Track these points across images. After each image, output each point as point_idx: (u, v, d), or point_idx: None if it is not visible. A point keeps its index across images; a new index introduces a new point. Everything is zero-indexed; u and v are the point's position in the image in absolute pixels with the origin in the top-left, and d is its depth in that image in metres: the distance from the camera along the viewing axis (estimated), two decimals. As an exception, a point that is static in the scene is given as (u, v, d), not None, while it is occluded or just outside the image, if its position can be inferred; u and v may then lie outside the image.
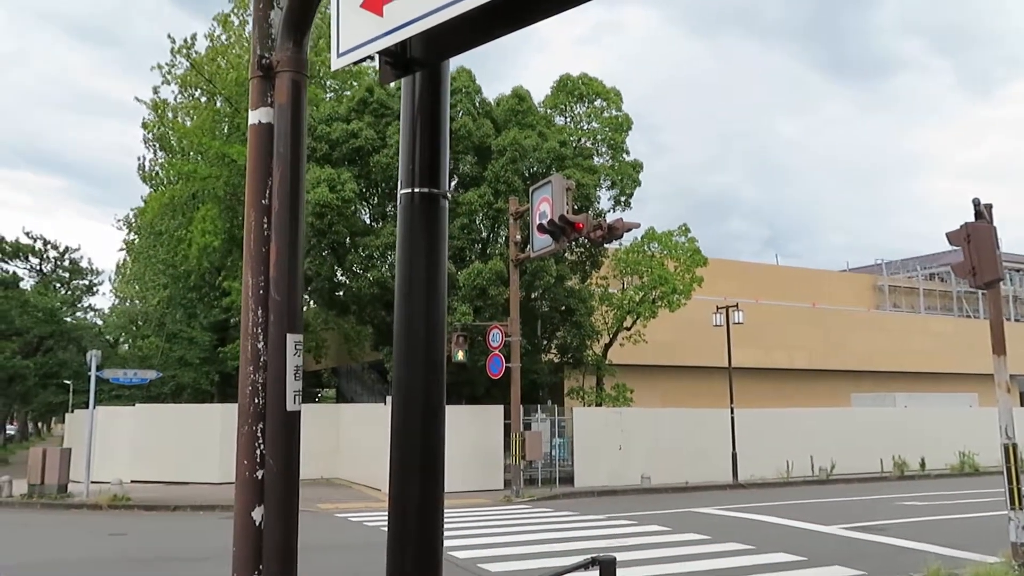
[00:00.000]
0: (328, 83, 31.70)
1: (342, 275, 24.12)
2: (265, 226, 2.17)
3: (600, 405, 26.01)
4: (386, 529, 2.30)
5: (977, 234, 8.89)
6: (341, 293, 24.82)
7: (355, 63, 2.15)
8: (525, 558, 11.13)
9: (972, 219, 9.13)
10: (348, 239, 23.15)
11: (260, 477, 2.05)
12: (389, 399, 18.61)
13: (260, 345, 2.10)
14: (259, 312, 2.11)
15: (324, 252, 23.04)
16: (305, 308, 32.21)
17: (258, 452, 2.06)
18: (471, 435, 21.06)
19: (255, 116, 2.23)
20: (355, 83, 27.99)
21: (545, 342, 25.27)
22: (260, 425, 2.07)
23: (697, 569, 10.45)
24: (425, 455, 2.34)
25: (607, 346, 26.53)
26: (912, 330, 42.44)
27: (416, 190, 2.51)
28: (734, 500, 19.27)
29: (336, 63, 2.12)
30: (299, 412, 2.13)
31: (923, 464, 26.53)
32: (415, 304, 2.40)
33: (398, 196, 2.56)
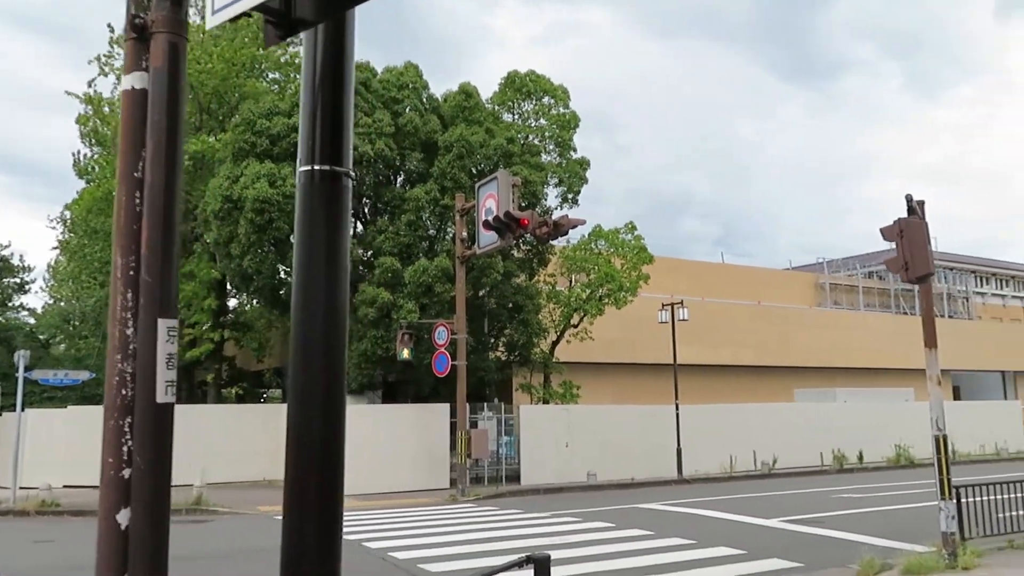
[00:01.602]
0: (270, 76, 31.07)
1: (285, 273, 23.62)
2: (137, 201, 1.98)
3: (548, 402, 26.00)
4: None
5: (910, 229, 9.04)
6: (283, 292, 24.27)
7: (232, 20, 1.97)
8: (466, 557, 10.98)
9: (906, 215, 9.28)
10: (290, 236, 22.66)
11: (127, 476, 1.86)
12: None
13: (129, 332, 1.91)
14: (128, 296, 1.92)
15: (265, 249, 22.52)
16: (247, 307, 31.56)
17: (125, 449, 1.87)
18: (416, 434, 20.85)
19: (128, 81, 2.03)
20: (298, 76, 27.43)
21: (493, 339, 25.14)
22: (128, 419, 1.88)
23: (639, 565, 10.44)
24: (324, 455, 2.16)
25: (554, 343, 26.54)
26: (852, 327, 43.49)
27: (316, 167, 2.35)
28: (679, 495, 19.42)
29: (211, 21, 1.95)
30: (172, 405, 1.94)
31: (861, 457, 27.18)
32: (313, 295, 2.24)
33: (297, 174, 2.39)
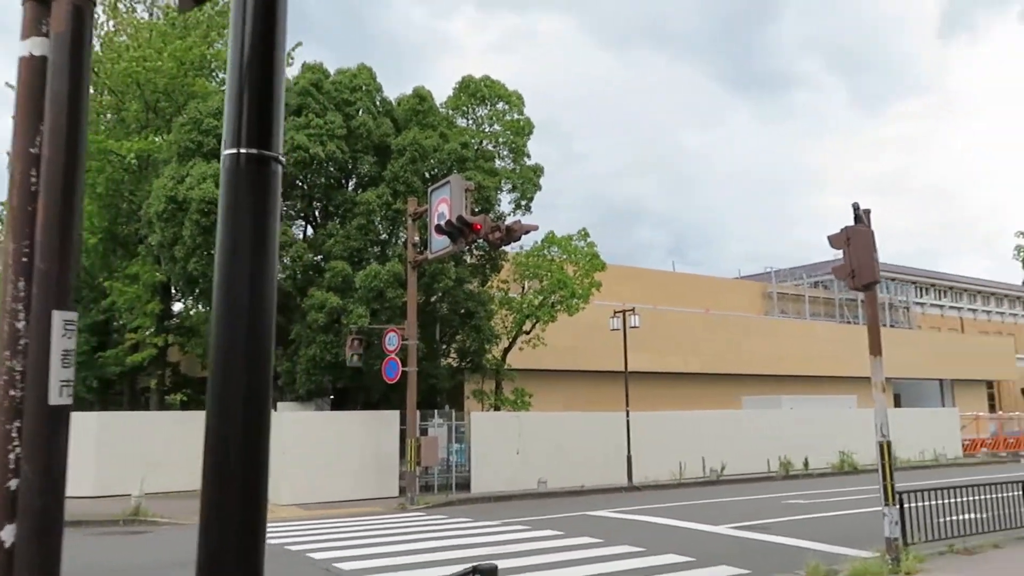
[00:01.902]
0: (220, 76, 30.37)
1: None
2: (33, 179, 1.78)
3: (499, 409, 25.84)
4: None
5: (857, 237, 9.14)
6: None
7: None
8: (412, 568, 10.75)
9: (852, 223, 9.39)
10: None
11: (13, 488, 1.65)
12: (279, 405, 17.64)
13: (20, 325, 1.71)
14: (20, 284, 1.72)
15: (211, 252, 21.91)
16: (193, 311, 30.72)
17: (12, 457, 1.66)
18: (365, 442, 20.49)
19: (25, 47, 1.83)
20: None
21: (444, 346, 24.90)
22: (16, 424, 1.67)
23: (588, 574, 10.34)
24: (246, 462, 1.97)
25: (507, 350, 26.40)
26: (798, 335, 44.31)
27: (243, 151, 2.17)
28: (629, 502, 19.43)
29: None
30: (67, 407, 1.74)
31: (807, 464, 27.61)
32: (236, 290, 2.05)
33: (222, 157, 2.21)
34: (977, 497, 12.04)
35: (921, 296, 61.37)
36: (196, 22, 28.55)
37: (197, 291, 23.47)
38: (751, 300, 50.76)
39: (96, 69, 28.03)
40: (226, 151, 2.18)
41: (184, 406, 27.62)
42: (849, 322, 53.64)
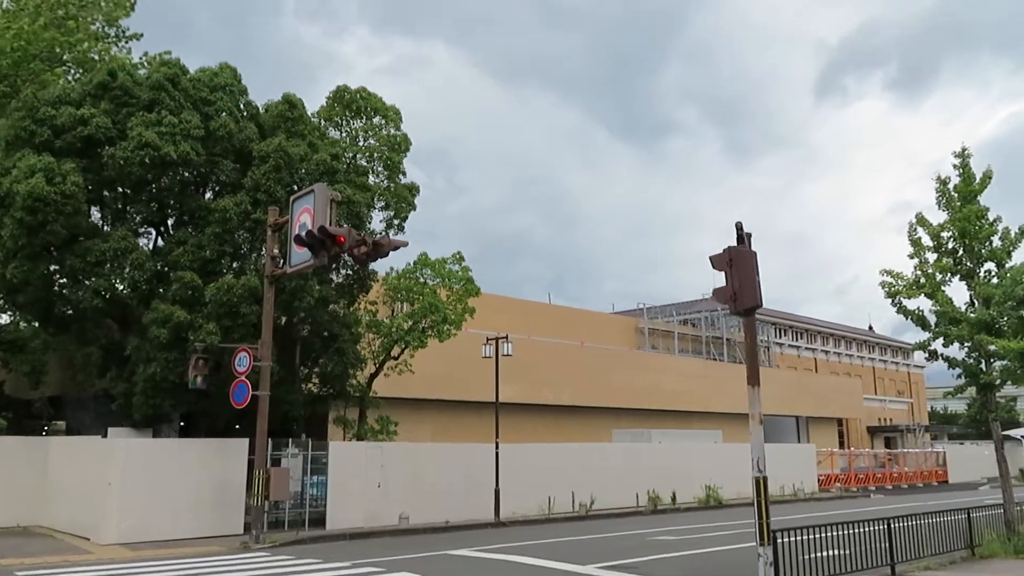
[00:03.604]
0: (71, 70, 27.62)
1: (61, 286, 20.51)
2: None
3: (363, 439, 24.28)
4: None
5: (740, 258, 8.64)
6: (61, 307, 21.05)
7: None
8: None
9: (735, 244, 8.89)
10: (70, 242, 19.75)
11: None
12: (110, 431, 15.39)
13: None
14: None
15: (37, 256, 19.44)
16: (20, 325, 27.42)
17: None
18: (207, 473, 18.48)
19: None
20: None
21: (305, 370, 23.17)
22: None
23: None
24: None
25: (373, 376, 24.93)
26: (667, 370, 44.98)
27: None
28: (494, 539, 18.38)
29: None
30: None
31: (674, 498, 27.53)
32: None
33: None
34: (842, 532, 11.79)
35: (780, 337, 64.26)
36: (47, 4, 25.86)
37: (20, 301, 20.76)
38: (624, 335, 51.34)
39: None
40: None
41: (7, 430, 24.41)
42: (715, 359, 55.25)
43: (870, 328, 79.98)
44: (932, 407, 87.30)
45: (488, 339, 24.85)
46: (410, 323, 24.29)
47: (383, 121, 25.11)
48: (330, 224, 16.00)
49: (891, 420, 68.70)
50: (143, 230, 22.23)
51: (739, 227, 8.79)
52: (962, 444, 58.30)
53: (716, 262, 8.93)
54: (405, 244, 16.42)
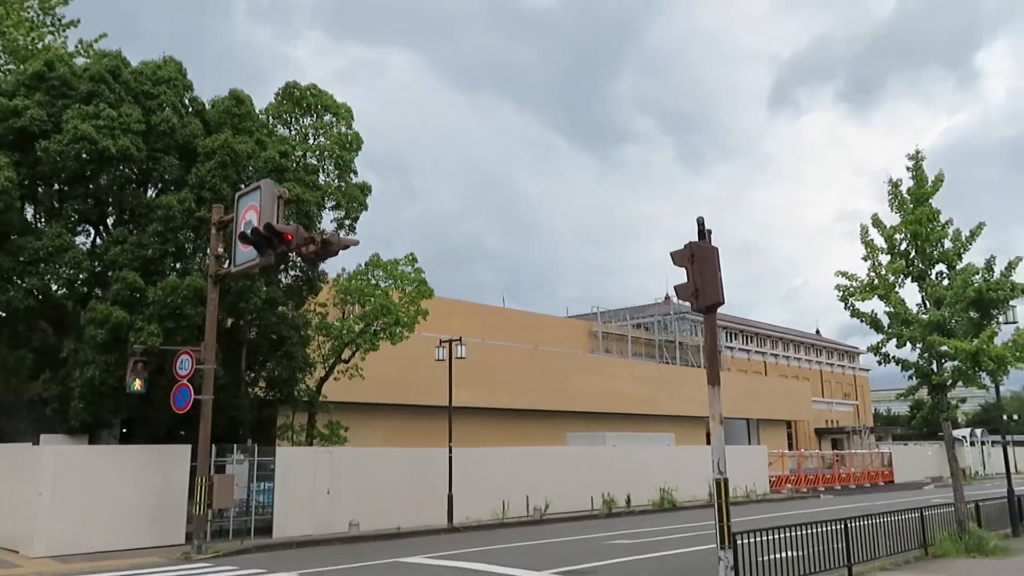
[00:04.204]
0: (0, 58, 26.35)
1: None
2: None
3: (312, 444, 23.61)
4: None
5: (701, 253, 8.43)
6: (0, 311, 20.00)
7: None
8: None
9: (696, 239, 8.68)
10: (1, 239, 18.75)
11: None
12: (42, 437, 14.46)
13: None
14: None
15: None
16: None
17: None
18: (146, 481, 17.69)
19: None
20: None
21: (252, 374, 22.41)
22: None
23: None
24: None
25: (322, 380, 24.27)
26: (621, 374, 45.04)
27: None
28: (448, 546, 17.94)
29: None
30: None
31: (629, 501, 27.40)
32: None
33: None
34: (798, 533, 11.67)
35: (731, 340, 64.99)
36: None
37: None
38: (578, 338, 51.31)
39: None
40: None
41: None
42: (668, 362, 55.59)
43: (817, 332, 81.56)
44: (876, 409, 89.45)
45: (441, 341, 24.41)
46: (361, 325, 23.73)
47: (334, 119, 24.50)
48: (277, 222, 15.44)
49: (838, 422, 70.07)
50: (80, 228, 21.25)
51: (700, 222, 8.58)
52: (906, 445, 59.66)
53: (677, 258, 8.71)
54: (356, 243, 15.94)
